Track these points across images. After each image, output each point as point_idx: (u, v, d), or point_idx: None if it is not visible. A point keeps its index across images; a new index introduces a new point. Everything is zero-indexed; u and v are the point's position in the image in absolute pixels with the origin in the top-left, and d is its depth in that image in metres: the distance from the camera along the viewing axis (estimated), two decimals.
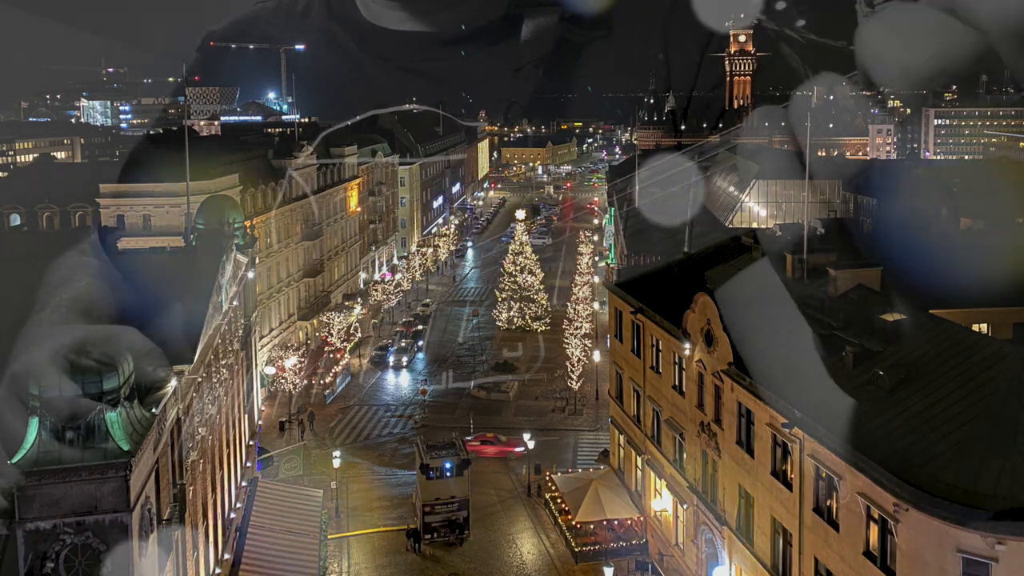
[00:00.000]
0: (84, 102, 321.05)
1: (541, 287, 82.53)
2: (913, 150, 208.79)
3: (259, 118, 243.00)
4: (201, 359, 28.93)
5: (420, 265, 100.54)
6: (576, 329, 66.33)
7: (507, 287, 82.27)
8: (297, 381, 60.74)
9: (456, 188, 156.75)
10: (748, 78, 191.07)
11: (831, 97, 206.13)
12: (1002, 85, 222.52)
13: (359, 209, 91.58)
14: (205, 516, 31.50)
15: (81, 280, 24.41)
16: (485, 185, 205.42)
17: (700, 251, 44.26)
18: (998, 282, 33.52)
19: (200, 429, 29.75)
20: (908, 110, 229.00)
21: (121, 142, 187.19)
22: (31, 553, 19.24)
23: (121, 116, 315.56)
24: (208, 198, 42.50)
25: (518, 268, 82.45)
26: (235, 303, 38.92)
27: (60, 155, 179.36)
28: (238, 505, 39.27)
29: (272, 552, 36.86)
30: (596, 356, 64.86)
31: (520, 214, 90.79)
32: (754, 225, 68.61)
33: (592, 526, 42.12)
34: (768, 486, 30.25)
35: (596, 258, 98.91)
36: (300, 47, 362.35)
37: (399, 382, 68.40)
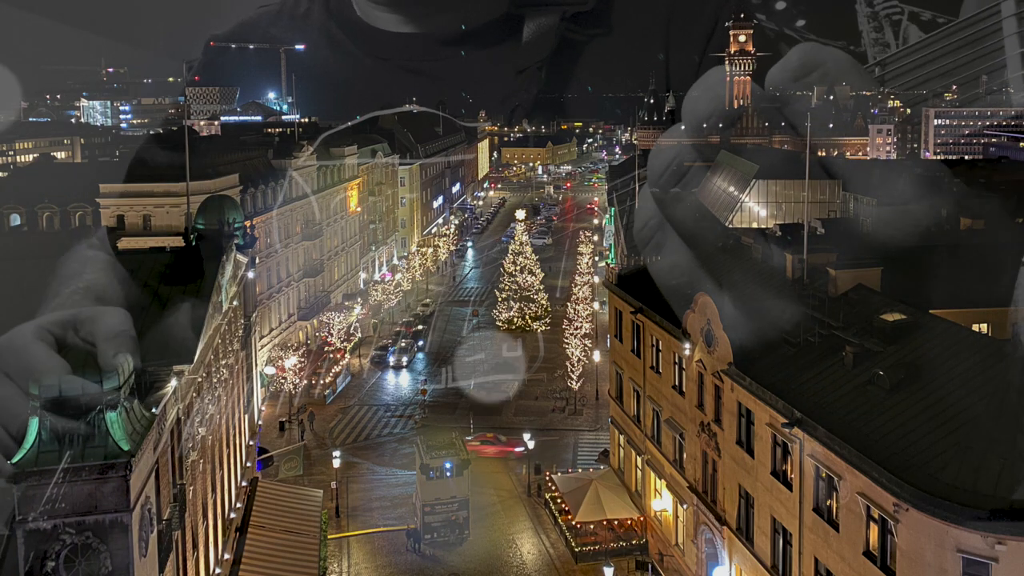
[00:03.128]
0: (84, 102, 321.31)
1: (541, 287, 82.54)
2: (913, 150, 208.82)
3: (259, 118, 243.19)
4: (201, 359, 28.91)
5: (420, 265, 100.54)
6: (576, 329, 66.34)
7: (507, 287, 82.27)
8: (297, 381, 60.74)
9: (456, 188, 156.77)
10: (748, 78, 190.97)
11: (831, 97, 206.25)
12: (1002, 85, 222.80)
13: (359, 209, 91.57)
14: (205, 516, 31.49)
15: (91, 273, 24.56)
16: (485, 185, 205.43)
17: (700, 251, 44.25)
18: (998, 282, 33.52)
19: (200, 429, 29.74)
20: (908, 110, 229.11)
21: (121, 142, 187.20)
22: (31, 553, 19.21)
23: (121, 116, 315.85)
24: (208, 198, 42.48)
25: (518, 268, 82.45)
26: (235, 303, 38.91)
27: (60, 155, 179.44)
28: (238, 505, 39.26)
29: (272, 552, 36.84)
30: (596, 356, 64.87)
31: (520, 214, 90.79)
32: (754, 225, 68.65)
33: (592, 526, 42.12)
34: (768, 486, 30.26)
35: (596, 258, 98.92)
36: (300, 47, 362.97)
37: (399, 382, 68.40)
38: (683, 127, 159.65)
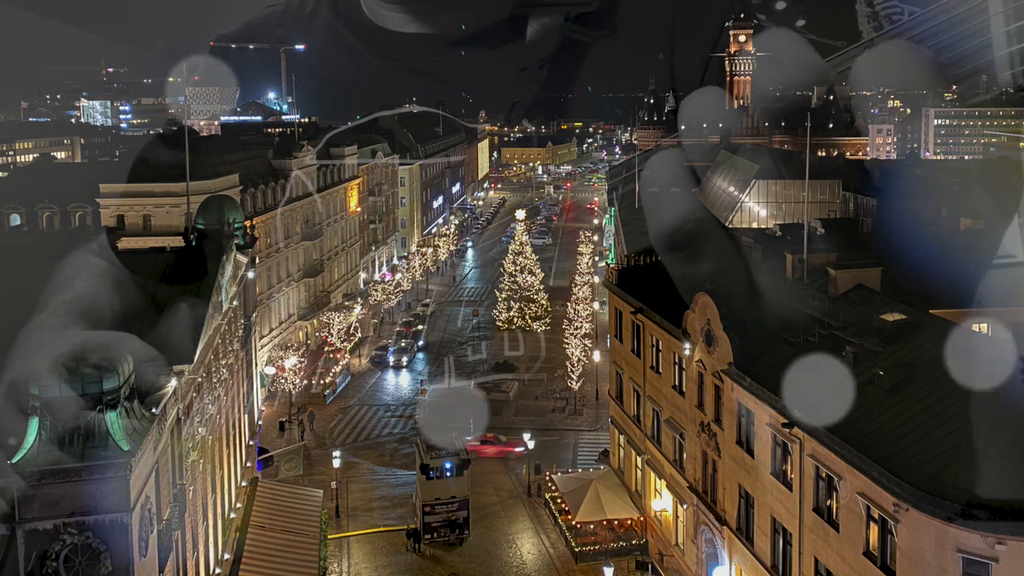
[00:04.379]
0: (84, 102, 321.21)
1: (541, 287, 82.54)
2: (913, 150, 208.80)
3: (259, 118, 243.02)
4: (201, 359, 28.92)
5: (420, 265, 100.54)
6: (576, 329, 66.33)
7: (507, 287, 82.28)
8: (297, 381, 60.73)
9: (456, 188, 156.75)
10: (748, 78, 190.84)
11: (831, 97, 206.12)
12: (1002, 85, 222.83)
13: (359, 209, 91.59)
14: (205, 516, 31.50)
15: (84, 281, 24.42)
16: (485, 185, 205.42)
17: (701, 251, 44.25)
18: (998, 282, 33.53)
19: (200, 429, 29.74)
20: (908, 110, 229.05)
21: (121, 142, 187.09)
22: (32, 553, 19.23)
23: (121, 116, 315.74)
24: (208, 198, 42.48)
25: (518, 268, 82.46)
26: (235, 303, 38.91)
27: (60, 155, 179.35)
28: (238, 505, 39.26)
29: (272, 552, 36.84)
30: (596, 356, 64.86)
31: (520, 214, 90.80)
32: (754, 225, 68.65)
33: (592, 526, 42.11)
34: (768, 486, 30.26)
35: (596, 258, 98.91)
36: (300, 47, 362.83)
37: (399, 382, 68.39)
38: (683, 127, 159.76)
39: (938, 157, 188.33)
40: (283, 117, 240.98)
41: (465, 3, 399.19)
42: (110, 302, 24.23)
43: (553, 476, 46.88)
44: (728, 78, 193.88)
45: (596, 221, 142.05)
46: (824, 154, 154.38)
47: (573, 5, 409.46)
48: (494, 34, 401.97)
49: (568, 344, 65.34)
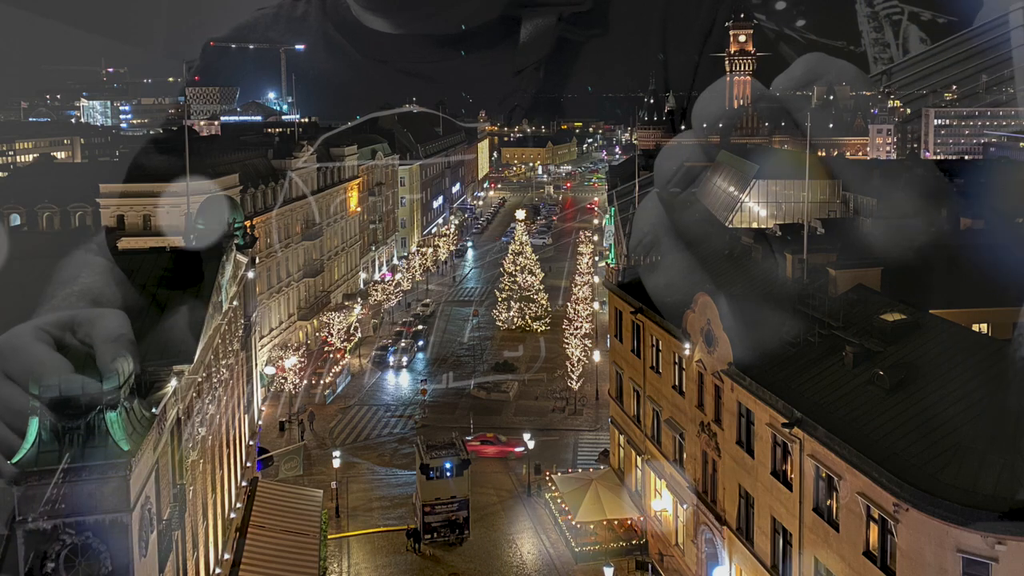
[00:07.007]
0: (84, 102, 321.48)
1: (541, 287, 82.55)
2: (913, 150, 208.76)
3: (259, 118, 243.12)
4: (201, 359, 28.91)
5: (420, 265, 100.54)
6: (576, 329, 66.33)
7: (507, 287, 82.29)
8: (297, 381, 60.73)
9: (456, 188, 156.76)
10: (748, 78, 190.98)
11: (831, 97, 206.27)
12: (1002, 85, 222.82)
13: (359, 209, 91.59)
14: (205, 516, 31.49)
15: (88, 277, 24.58)
16: (485, 185, 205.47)
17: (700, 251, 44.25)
18: (998, 282, 33.51)
19: (200, 429, 29.73)
20: (908, 110, 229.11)
21: (121, 142, 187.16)
22: (31, 553, 19.22)
23: (121, 116, 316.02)
24: (208, 198, 42.45)
25: (518, 268, 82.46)
26: (235, 303, 38.90)
27: (60, 155, 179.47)
28: (238, 505, 39.25)
29: (272, 552, 36.83)
30: (596, 356, 64.86)
31: (520, 214, 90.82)
32: (754, 225, 68.64)
33: (592, 526, 42.11)
34: (768, 486, 30.26)
35: (596, 258, 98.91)
36: (300, 47, 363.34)
37: (399, 382, 68.39)
38: (684, 128, 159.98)
39: (938, 157, 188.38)
40: (283, 117, 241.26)
41: (456, 4, 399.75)
42: (111, 296, 24.36)
43: (553, 476, 46.88)
44: (728, 78, 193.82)
45: (596, 221, 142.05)
46: (824, 154, 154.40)
47: (566, 5, 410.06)
48: (486, 35, 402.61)
49: (568, 344, 65.35)
